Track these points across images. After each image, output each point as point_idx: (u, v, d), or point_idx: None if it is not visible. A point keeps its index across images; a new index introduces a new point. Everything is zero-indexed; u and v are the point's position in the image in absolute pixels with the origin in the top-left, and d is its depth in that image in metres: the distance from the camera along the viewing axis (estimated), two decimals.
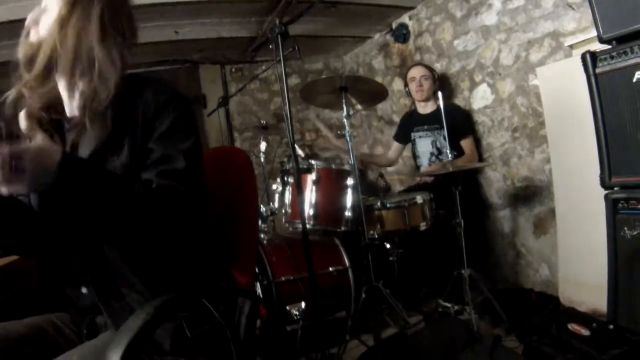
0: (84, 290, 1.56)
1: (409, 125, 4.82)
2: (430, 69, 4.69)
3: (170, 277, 1.51)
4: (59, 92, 1.59)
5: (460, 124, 4.37)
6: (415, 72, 4.65)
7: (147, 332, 1.28)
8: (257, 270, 3.51)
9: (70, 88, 1.56)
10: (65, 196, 1.28)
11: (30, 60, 1.48)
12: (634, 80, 2.39)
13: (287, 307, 3.37)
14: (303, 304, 3.38)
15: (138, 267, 1.48)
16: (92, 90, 1.49)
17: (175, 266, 1.53)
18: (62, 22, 1.46)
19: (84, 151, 1.49)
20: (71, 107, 1.58)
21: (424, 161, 4.69)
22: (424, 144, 4.66)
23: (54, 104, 1.59)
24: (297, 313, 3.34)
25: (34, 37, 1.50)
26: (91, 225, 1.41)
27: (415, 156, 4.82)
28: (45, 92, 1.58)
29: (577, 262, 3.48)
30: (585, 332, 2.51)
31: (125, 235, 1.41)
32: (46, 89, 1.58)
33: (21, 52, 1.49)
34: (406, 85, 4.81)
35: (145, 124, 1.48)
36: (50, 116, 1.58)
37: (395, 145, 5.03)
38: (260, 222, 4.03)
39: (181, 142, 1.49)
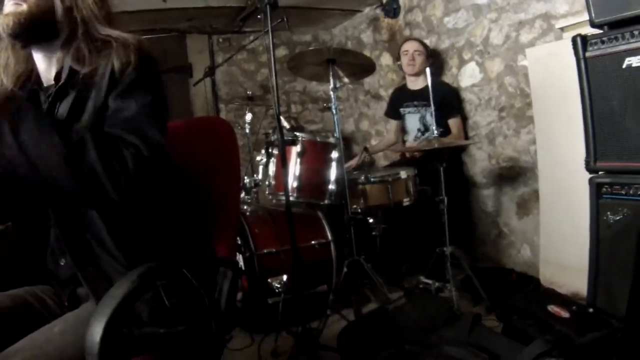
0: (62, 262, 1.56)
1: (398, 100, 4.83)
2: (424, 44, 4.65)
3: (147, 245, 1.50)
4: (34, 62, 1.58)
5: (449, 102, 4.39)
6: (409, 46, 4.62)
7: (130, 301, 1.27)
8: (239, 242, 3.52)
9: (48, 57, 1.54)
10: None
11: (10, 31, 1.44)
12: (624, 66, 2.40)
13: (269, 280, 3.38)
14: (285, 277, 3.38)
15: (115, 232, 1.46)
16: (71, 56, 1.48)
17: (152, 234, 1.53)
18: None
19: (60, 117, 1.47)
20: (48, 77, 1.56)
21: (411, 137, 4.71)
22: (412, 120, 4.68)
23: (30, 75, 1.58)
24: (279, 286, 3.35)
25: (10, 8, 1.46)
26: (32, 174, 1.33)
27: (403, 131, 4.84)
28: (21, 63, 1.57)
29: (559, 244, 3.51)
30: (565, 314, 2.54)
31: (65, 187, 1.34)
32: (23, 58, 1.57)
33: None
34: (398, 59, 4.79)
35: (109, 85, 1.45)
36: (25, 87, 1.57)
37: (392, 123, 5.05)
38: (243, 194, 4.03)
39: (136, 97, 1.45)
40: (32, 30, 1.45)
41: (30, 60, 1.58)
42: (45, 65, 1.55)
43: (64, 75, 1.47)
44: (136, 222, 1.49)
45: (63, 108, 1.47)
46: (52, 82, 1.51)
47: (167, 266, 1.47)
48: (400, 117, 4.83)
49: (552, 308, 2.60)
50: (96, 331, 1.17)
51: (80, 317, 1.42)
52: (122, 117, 1.41)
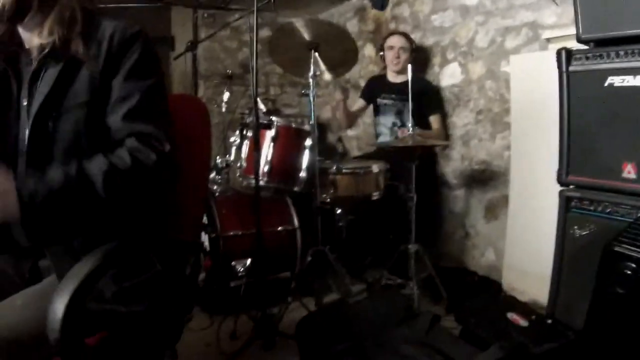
0: None
1: (377, 88, 4.76)
2: (409, 39, 4.59)
3: (116, 224, 1.47)
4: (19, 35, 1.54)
5: (429, 99, 4.37)
6: (395, 41, 4.56)
7: (94, 279, 1.27)
8: (206, 221, 3.49)
9: (29, 29, 1.50)
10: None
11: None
12: (605, 84, 2.41)
13: (233, 262, 3.36)
14: (249, 261, 3.37)
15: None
16: (54, 21, 1.45)
17: (123, 214, 1.49)
18: None
19: (43, 88, 1.44)
20: (31, 40, 1.51)
21: (384, 130, 4.67)
22: (388, 112, 4.63)
23: (10, 36, 1.53)
24: (242, 269, 3.33)
25: None
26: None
27: (375, 123, 4.79)
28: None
29: (524, 251, 3.55)
30: (523, 322, 2.56)
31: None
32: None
33: None
34: (381, 50, 4.72)
35: (108, 59, 1.45)
36: (5, 48, 1.52)
37: (360, 102, 4.92)
38: (214, 173, 3.99)
39: (143, 80, 1.48)
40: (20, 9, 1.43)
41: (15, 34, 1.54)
42: (28, 37, 1.51)
43: (47, 45, 1.44)
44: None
45: (49, 75, 1.45)
46: (35, 45, 1.48)
47: (132, 246, 1.47)
48: (374, 105, 4.78)
49: (512, 316, 2.62)
50: (59, 307, 1.17)
51: (43, 292, 1.41)
52: (135, 107, 1.44)
